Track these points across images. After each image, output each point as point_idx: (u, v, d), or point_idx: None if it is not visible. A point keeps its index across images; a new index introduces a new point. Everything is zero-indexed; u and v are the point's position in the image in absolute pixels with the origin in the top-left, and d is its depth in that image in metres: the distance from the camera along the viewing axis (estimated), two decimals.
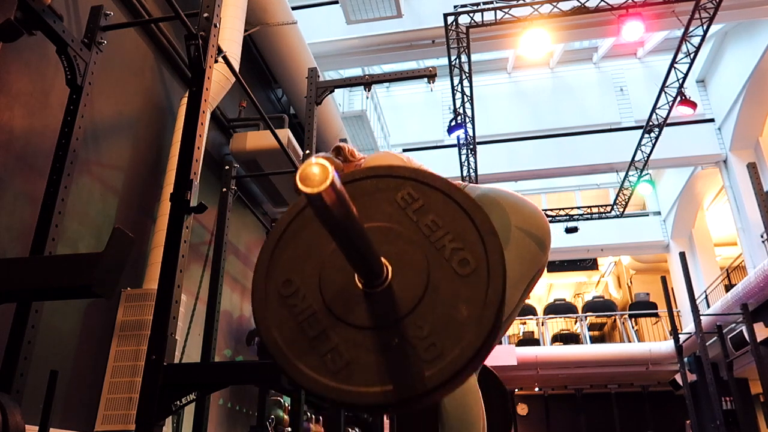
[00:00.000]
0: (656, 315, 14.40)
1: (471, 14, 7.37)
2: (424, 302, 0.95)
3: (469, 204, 1.02)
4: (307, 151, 4.69)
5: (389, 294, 0.96)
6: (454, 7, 7.48)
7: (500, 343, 14.08)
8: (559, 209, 12.64)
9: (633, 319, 14.41)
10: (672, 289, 12.18)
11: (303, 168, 0.71)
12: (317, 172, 0.71)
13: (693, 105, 8.46)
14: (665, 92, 8.72)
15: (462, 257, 0.97)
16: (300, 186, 0.70)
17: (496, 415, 2.40)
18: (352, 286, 0.97)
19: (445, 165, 11.43)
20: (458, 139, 9.27)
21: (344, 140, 6.59)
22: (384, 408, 0.92)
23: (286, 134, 5.68)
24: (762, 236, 9.66)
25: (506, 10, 7.37)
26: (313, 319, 0.97)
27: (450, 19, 7.52)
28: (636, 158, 10.13)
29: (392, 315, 0.95)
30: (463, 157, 9.65)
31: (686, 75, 8.26)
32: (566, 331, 14.71)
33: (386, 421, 8.25)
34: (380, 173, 1.06)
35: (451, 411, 1.49)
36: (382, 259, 0.97)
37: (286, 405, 5.86)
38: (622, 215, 12.23)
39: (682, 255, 9.33)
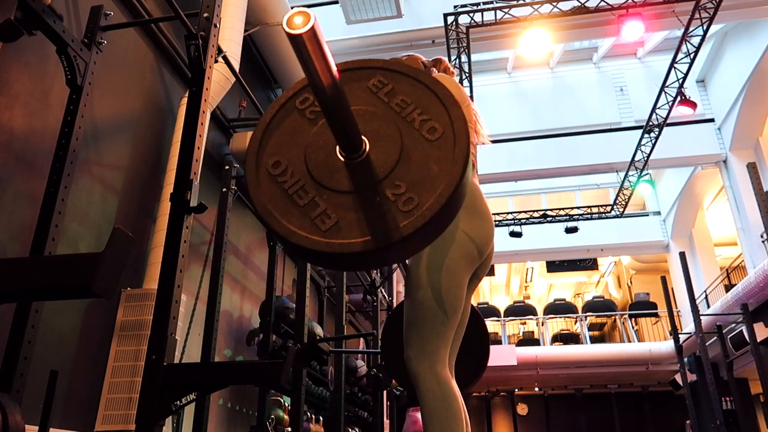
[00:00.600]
0: (656, 315, 14.40)
1: (471, 14, 7.37)
2: (399, 166, 1.10)
3: (433, 82, 1.19)
4: None
5: (368, 163, 1.11)
6: (454, 7, 7.48)
7: (500, 342, 14.11)
8: (559, 209, 12.64)
9: (633, 319, 14.41)
10: (672, 289, 12.18)
11: (288, 14, 0.88)
12: (301, 18, 0.86)
13: (693, 105, 8.46)
14: (665, 92, 8.71)
15: (430, 126, 1.14)
16: (285, 28, 0.85)
17: (474, 352, 2.47)
18: (334, 159, 1.13)
19: None
20: None
21: None
22: (366, 255, 1.05)
23: None
24: (762, 236, 9.66)
25: (506, 10, 7.37)
26: (302, 190, 1.12)
27: (450, 19, 7.52)
28: (636, 158, 10.13)
29: (371, 179, 1.10)
30: None
31: (686, 75, 8.26)
32: (566, 331, 14.71)
33: (386, 421, 8.25)
34: (352, 66, 1.24)
35: (432, 411, 1.54)
36: (363, 136, 1.12)
37: (286, 405, 5.86)
38: (622, 215, 12.23)
39: (682, 255, 9.33)
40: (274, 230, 1.12)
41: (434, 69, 2.23)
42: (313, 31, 0.87)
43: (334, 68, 0.96)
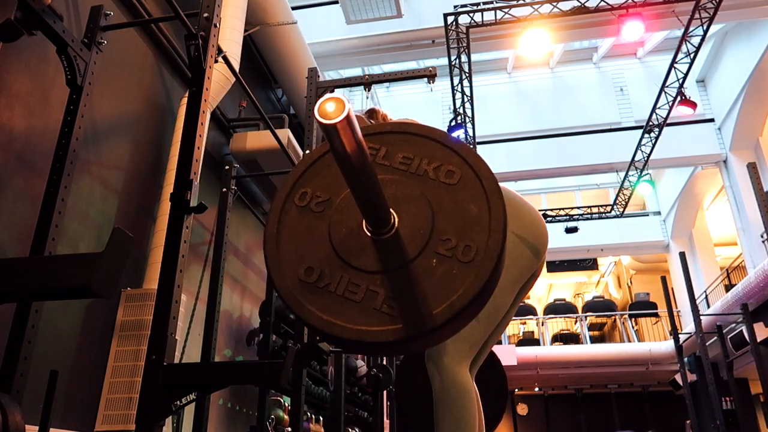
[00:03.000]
0: (656, 315, 14.40)
1: (471, 14, 7.37)
2: (437, 221, 1.04)
3: (423, 129, 1.14)
4: (308, 151, 4.69)
5: (398, 238, 1.04)
6: (454, 7, 7.47)
7: (500, 343, 14.11)
8: (559, 209, 12.64)
9: (633, 319, 14.41)
10: (672, 289, 12.18)
11: (320, 102, 0.81)
12: (333, 106, 0.80)
13: (693, 105, 8.46)
14: (665, 92, 8.71)
15: (445, 171, 1.08)
16: (318, 117, 0.79)
17: (492, 399, 2.43)
18: (360, 234, 1.06)
19: None
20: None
21: None
22: (395, 345, 0.98)
23: (286, 134, 5.68)
24: (762, 236, 9.66)
25: (506, 10, 7.37)
26: (351, 284, 1.03)
27: (450, 19, 7.52)
28: (636, 158, 10.13)
29: (401, 258, 1.02)
30: None
31: (686, 75, 8.26)
32: (566, 331, 14.71)
33: (386, 421, 8.24)
34: None
35: (445, 411, 1.49)
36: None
37: (286, 405, 5.85)
38: (622, 215, 12.23)
39: (682, 255, 9.33)
40: (291, 310, 1.05)
41: (371, 120, 2.04)
42: (347, 120, 0.81)
43: (366, 148, 0.90)
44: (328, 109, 0.81)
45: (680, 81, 8.32)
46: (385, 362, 6.86)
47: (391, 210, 1.05)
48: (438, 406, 1.50)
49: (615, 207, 12.01)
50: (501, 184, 1.69)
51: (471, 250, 1.00)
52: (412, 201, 1.06)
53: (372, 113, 2.02)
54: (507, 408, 15.16)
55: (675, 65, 8.22)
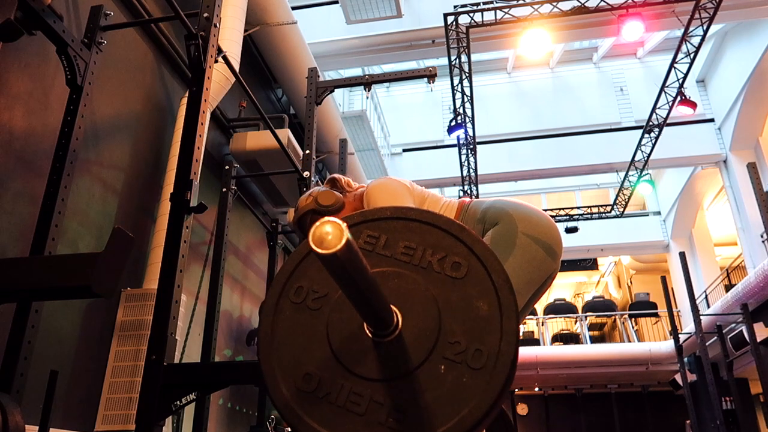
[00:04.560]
0: (656, 315, 14.40)
1: (471, 14, 7.37)
2: (444, 321, 0.94)
3: (425, 215, 1.04)
4: (307, 151, 4.69)
5: (401, 342, 0.94)
6: (454, 7, 7.47)
7: None
8: (559, 209, 12.64)
9: (633, 319, 14.41)
10: (672, 289, 12.18)
11: (316, 228, 0.69)
12: (331, 231, 0.69)
13: (693, 105, 8.46)
14: (665, 92, 8.72)
15: (451, 262, 0.99)
16: (315, 248, 0.68)
17: None
18: (361, 336, 0.96)
19: (444, 165, 11.44)
20: (458, 139, 9.27)
21: (344, 140, 6.59)
22: None
23: (286, 134, 5.68)
24: (762, 236, 9.66)
25: (506, 10, 7.37)
26: (353, 394, 0.94)
27: (450, 19, 7.52)
28: (636, 158, 10.13)
29: (406, 365, 0.93)
30: (463, 157, 9.64)
31: (686, 75, 8.26)
32: (566, 331, 14.70)
33: None
34: None
35: None
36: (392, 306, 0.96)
37: None
38: (622, 215, 12.23)
39: (682, 255, 9.33)
40: (288, 423, 0.95)
41: (333, 191, 1.88)
42: (348, 245, 0.70)
43: (365, 263, 0.80)
44: (325, 235, 0.69)
45: (680, 81, 8.32)
46: None
47: (394, 308, 0.96)
48: None
49: (615, 207, 12.01)
50: (506, 198, 1.67)
51: (482, 354, 0.91)
52: (416, 297, 0.97)
53: (333, 182, 1.91)
54: (507, 408, 15.16)
55: (675, 65, 8.22)
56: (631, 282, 16.62)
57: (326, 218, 0.70)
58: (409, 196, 1.68)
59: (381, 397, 0.91)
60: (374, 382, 0.93)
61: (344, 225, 0.70)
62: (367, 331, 0.96)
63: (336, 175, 1.97)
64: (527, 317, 15.13)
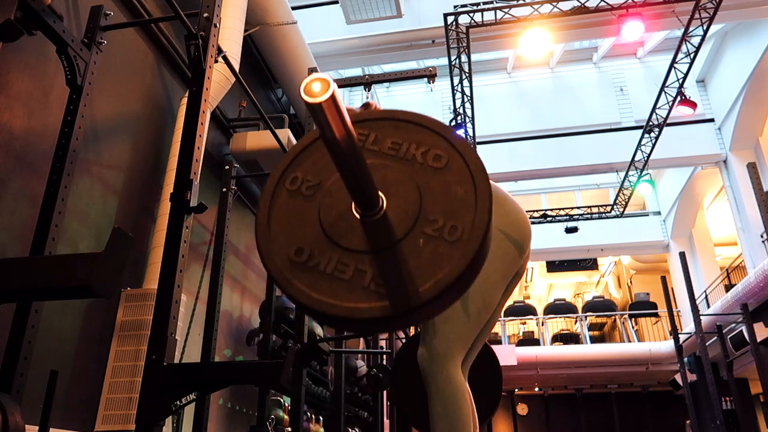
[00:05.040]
0: (656, 315, 14.40)
1: (471, 14, 7.37)
2: (425, 202, 1.07)
3: (411, 115, 1.16)
4: None
5: (386, 220, 1.07)
6: (454, 7, 7.47)
7: (500, 342, 14.11)
8: (559, 209, 12.64)
9: (633, 319, 14.41)
10: (672, 289, 12.18)
11: (306, 81, 0.83)
12: (319, 86, 0.82)
13: (693, 105, 8.46)
14: (665, 92, 8.72)
15: (433, 155, 1.12)
16: (304, 96, 0.81)
17: (485, 390, 2.44)
18: (349, 216, 1.09)
19: None
20: None
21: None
22: (382, 322, 1.00)
23: (286, 134, 5.69)
24: (762, 236, 9.66)
25: (506, 10, 7.37)
26: (340, 263, 1.05)
27: (450, 19, 7.52)
28: (636, 158, 10.14)
29: (389, 238, 1.05)
30: None
31: (686, 75, 8.26)
32: (566, 331, 14.71)
33: (386, 421, 8.24)
34: None
35: (440, 411, 1.50)
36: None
37: (286, 405, 5.86)
38: (622, 215, 12.23)
39: (682, 255, 9.33)
40: (280, 286, 1.07)
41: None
42: (332, 99, 0.83)
43: (353, 130, 0.93)
44: (314, 88, 0.83)
45: (680, 81, 8.32)
46: (385, 362, 6.86)
47: (380, 193, 1.08)
48: (433, 407, 1.51)
49: (615, 207, 12.01)
50: (498, 185, 1.71)
51: (457, 229, 1.03)
52: (400, 184, 1.10)
53: (367, 107, 2.06)
54: (507, 408, 15.15)
55: (675, 65, 8.22)
56: (631, 282, 16.63)
57: (316, 75, 0.83)
58: None
59: (364, 266, 1.04)
60: (359, 254, 1.05)
61: (332, 82, 0.83)
62: (355, 212, 1.08)
63: (370, 101, 2.13)
64: (528, 317, 15.15)
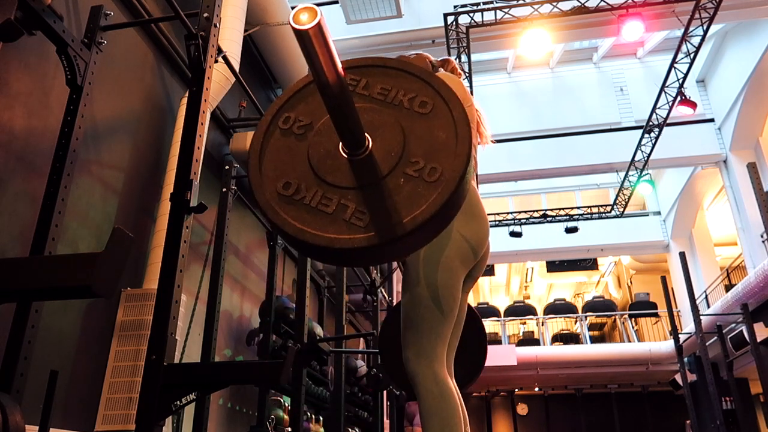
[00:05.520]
0: (656, 315, 14.40)
1: (471, 14, 7.37)
2: (408, 144, 1.12)
3: (401, 63, 1.22)
4: None
5: (371, 159, 1.12)
6: (454, 7, 7.47)
7: (500, 342, 14.11)
8: (559, 209, 12.64)
9: (633, 319, 14.41)
10: (672, 289, 12.18)
11: (295, 11, 0.87)
12: (307, 16, 0.87)
13: (693, 105, 8.46)
14: (665, 92, 8.71)
15: (420, 101, 1.16)
16: (292, 23, 0.85)
17: (470, 354, 2.47)
18: (339, 158, 1.14)
19: None
20: None
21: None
22: (360, 252, 1.06)
23: None
24: (762, 236, 9.66)
25: (506, 10, 7.37)
26: (325, 198, 1.12)
27: (450, 19, 7.52)
28: (636, 158, 10.13)
29: (372, 176, 1.11)
30: None
31: (686, 75, 8.26)
32: (566, 331, 14.71)
33: (386, 421, 8.24)
34: None
35: (430, 410, 1.54)
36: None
37: (286, 405, 5.86)
38: (622, 215, 12.23)
39: (682, 255, 9.33)
40: (269, 221, 1.13)
41: (441, 69, 2.26)
42: (319, 27, 0.88)
43: (340, 64, 0.96)
44: (302, 17, 0.87)
45: (680, 81, 8.32)
46: None
47: (367, 135, 1.13)
48: (423, 408, 1.55)
49: (615, 207, 12.01)
50: (471, 185, 1.77)
51: (436, 171, 1.07)
52: (386, 127, 1.14)
53: (444, 63, 2.26)
54: (507, 408, 15.16)
55: (675, 65, 8.22)
56: (631, 282, 16.63)
57: (305, 5, 0.88)
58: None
59: (347, 201, 1.10)
60: (343, 189, 1.11)
61: (320, 12, 0.88)
62: (342, 151, 1.13)
63: (450, 58, 2.29)
64: (528, 317, 15.15)
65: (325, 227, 1.08)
